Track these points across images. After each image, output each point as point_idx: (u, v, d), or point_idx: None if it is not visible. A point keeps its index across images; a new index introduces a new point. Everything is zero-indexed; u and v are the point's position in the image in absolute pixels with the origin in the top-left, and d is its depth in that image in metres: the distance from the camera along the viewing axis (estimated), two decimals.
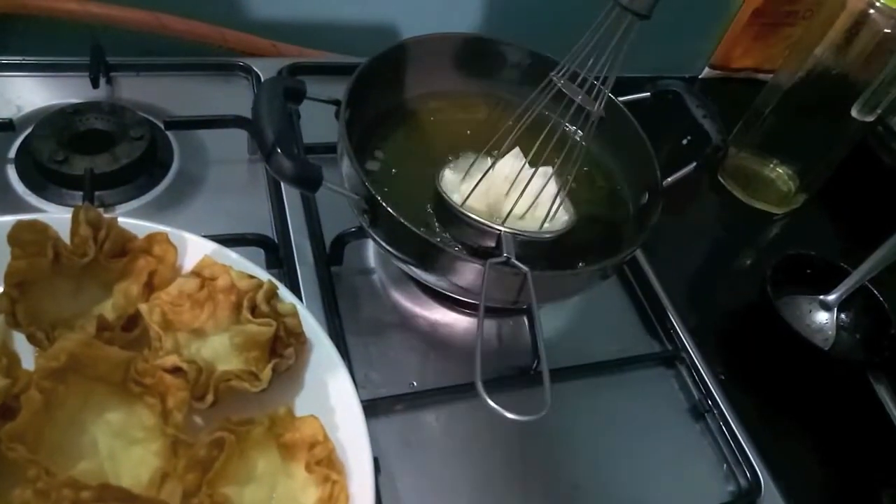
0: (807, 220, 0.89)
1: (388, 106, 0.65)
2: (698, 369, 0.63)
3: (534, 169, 0.56)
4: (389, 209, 0.49)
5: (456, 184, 0.58)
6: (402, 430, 0.54)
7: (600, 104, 0.52)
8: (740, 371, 0.68)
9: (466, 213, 0.54)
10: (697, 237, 0.85)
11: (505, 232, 0.53)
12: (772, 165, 0.90)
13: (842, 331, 0.74)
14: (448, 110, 0.67)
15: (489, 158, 0.58)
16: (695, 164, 0.59)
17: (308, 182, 0.47)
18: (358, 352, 0.57)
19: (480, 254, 0.54)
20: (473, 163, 0.58)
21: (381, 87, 0.63)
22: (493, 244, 0.54)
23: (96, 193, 0.61)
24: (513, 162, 0.58)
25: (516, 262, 0.50)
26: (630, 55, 0.50)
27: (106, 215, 0.48)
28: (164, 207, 0.63)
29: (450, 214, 0.55)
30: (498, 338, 0.62)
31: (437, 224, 0.57)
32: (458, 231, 0.56)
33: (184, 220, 0.62)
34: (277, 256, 0.60)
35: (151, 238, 0.48)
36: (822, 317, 0.74)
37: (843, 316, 0.74)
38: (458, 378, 0.57)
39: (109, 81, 0.72)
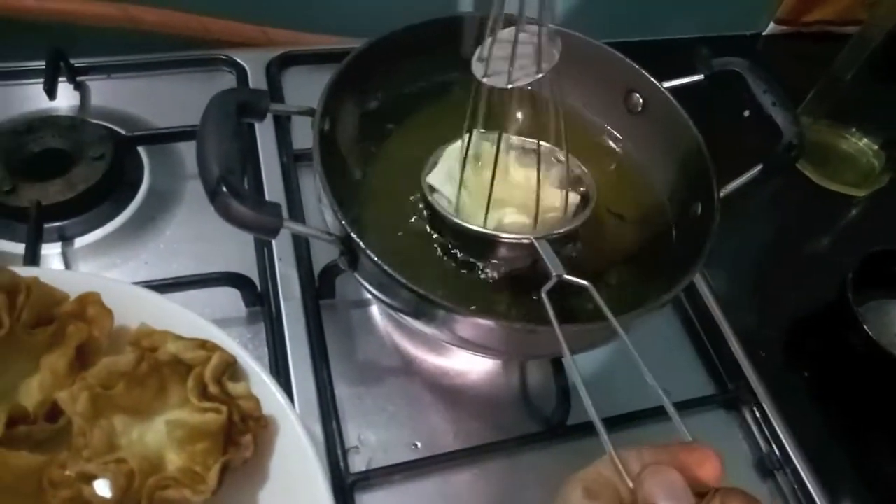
0: (894, 203, 0.75)
1: (388, 100, 0.54)
2: (766, 415, 0.52)
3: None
4: (372, 255, 0.39)
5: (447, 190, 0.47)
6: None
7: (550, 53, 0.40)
8: (814, 400, 0.57)
9: (484, 230, 0.44)
10: (760, 229, 0.73)
11: (538, 239, 0.42)
12: (853, 139, 0.77)
13: None
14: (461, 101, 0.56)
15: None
16: (761, 165, 0.47)
17: (260, 227, 0.37)
18: (351, 406, 0.49)
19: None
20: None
21: (373, 82, 0.53)
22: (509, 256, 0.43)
23: (53, 225, 0.53)
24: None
25: (571, 278, 0.40)
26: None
27: (30, 271, 0.39)
28: (130, 238, 0.55)
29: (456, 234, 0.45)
30: (522, 383, 0.52)
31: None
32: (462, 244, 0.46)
33: (153, 252, 0.55)
34: (256, 293, 0.51)
35: (83, 299, 0.39)
36: None
37: None
38: (473, 438, 0.48)
39: (78, 87, 0.64)
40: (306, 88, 0.66)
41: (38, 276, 0.39)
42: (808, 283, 0.67)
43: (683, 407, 0.52)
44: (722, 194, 0.46)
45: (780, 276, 0.68)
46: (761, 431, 0.52)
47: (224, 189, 0.37)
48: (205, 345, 0.38)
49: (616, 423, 0.50)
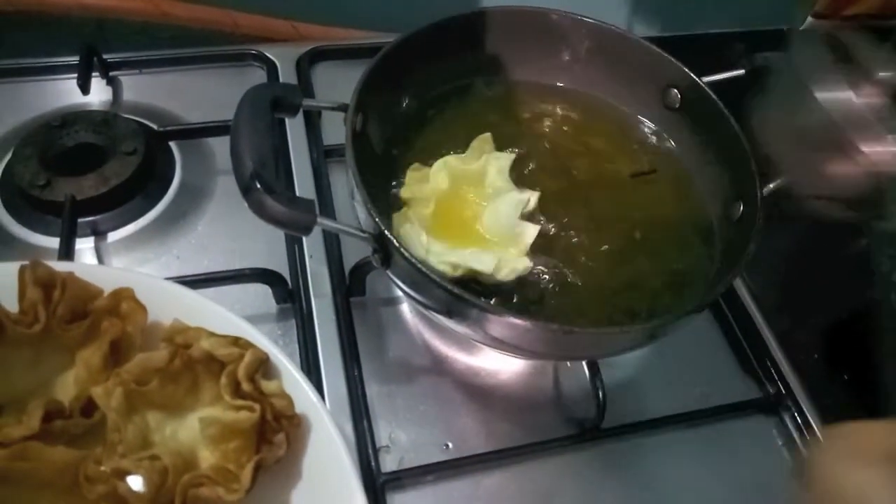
0: None
1: (422, 97, 0.53)
2: (807, 419, 0.50)
3: None
4: (405, 253, 0.38)
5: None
6: None
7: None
8: (857, 404, 0.55)
9: None
10: (798, 228, 0.70)
11: None
12: None
13: None
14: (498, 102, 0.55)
15: None
16: None
17: (294, 224, 0.37)
18: (381, 405, 0.48)
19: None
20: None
21: (407, 78, 0.52)
22: None
23: (87, 220, 0.53)
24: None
25: None
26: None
27: (65, 266, 0.40)
28: (162, 232, 0.55)
29: None
30: (555, 384, 0.51)
31: None
32: None
33: (185, 247, 0.55)
34: (287, 290, 0.51)
35: (117, 294, 0.39)
36: None
37: None
38: (505, 439, 0.47)
39: (110, 82, 0.64)
40: (337, 84, 0.66)
41: (73, 270, 0.39)
42: (849, 283, 0.65)
43: (722, 411, 0.50)
44: (766, 192, 0.45)
45: (819, 277, 0.66)
46: (802, 437, 0.50)
47: (258, 185, 0.36)
48: (238, 341, 0.38)
49: (650, 426, 0.49)
